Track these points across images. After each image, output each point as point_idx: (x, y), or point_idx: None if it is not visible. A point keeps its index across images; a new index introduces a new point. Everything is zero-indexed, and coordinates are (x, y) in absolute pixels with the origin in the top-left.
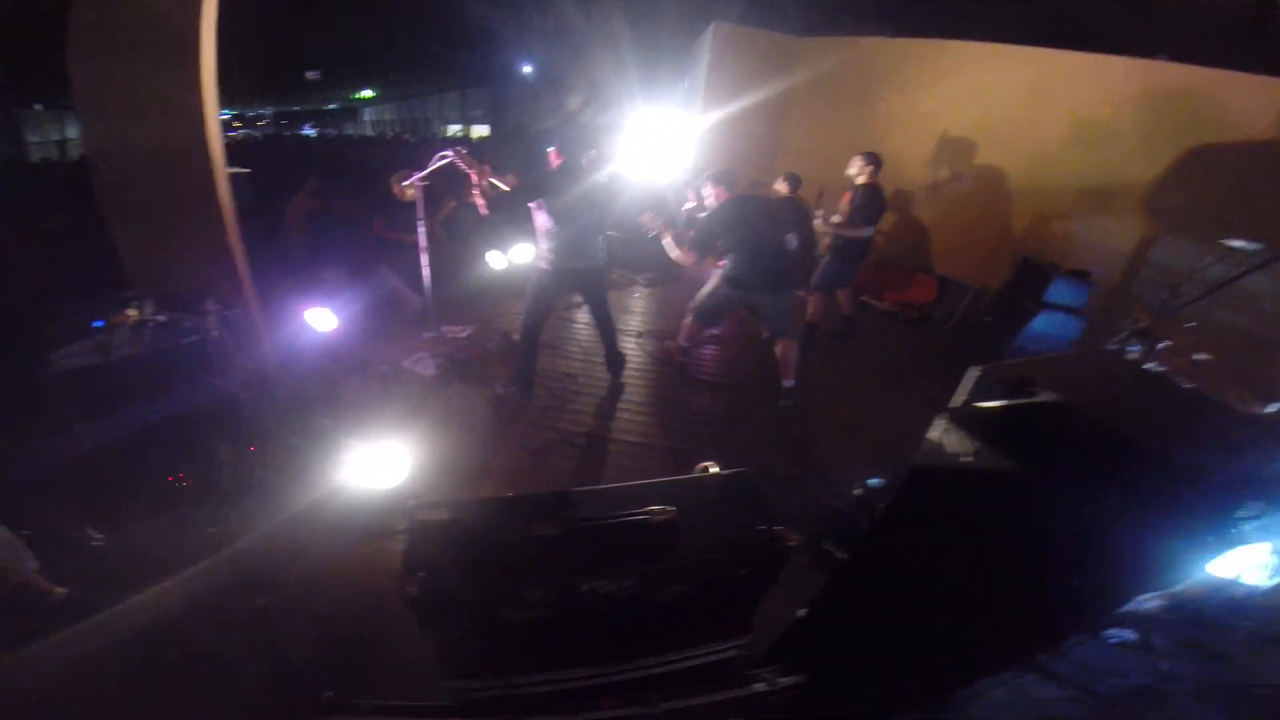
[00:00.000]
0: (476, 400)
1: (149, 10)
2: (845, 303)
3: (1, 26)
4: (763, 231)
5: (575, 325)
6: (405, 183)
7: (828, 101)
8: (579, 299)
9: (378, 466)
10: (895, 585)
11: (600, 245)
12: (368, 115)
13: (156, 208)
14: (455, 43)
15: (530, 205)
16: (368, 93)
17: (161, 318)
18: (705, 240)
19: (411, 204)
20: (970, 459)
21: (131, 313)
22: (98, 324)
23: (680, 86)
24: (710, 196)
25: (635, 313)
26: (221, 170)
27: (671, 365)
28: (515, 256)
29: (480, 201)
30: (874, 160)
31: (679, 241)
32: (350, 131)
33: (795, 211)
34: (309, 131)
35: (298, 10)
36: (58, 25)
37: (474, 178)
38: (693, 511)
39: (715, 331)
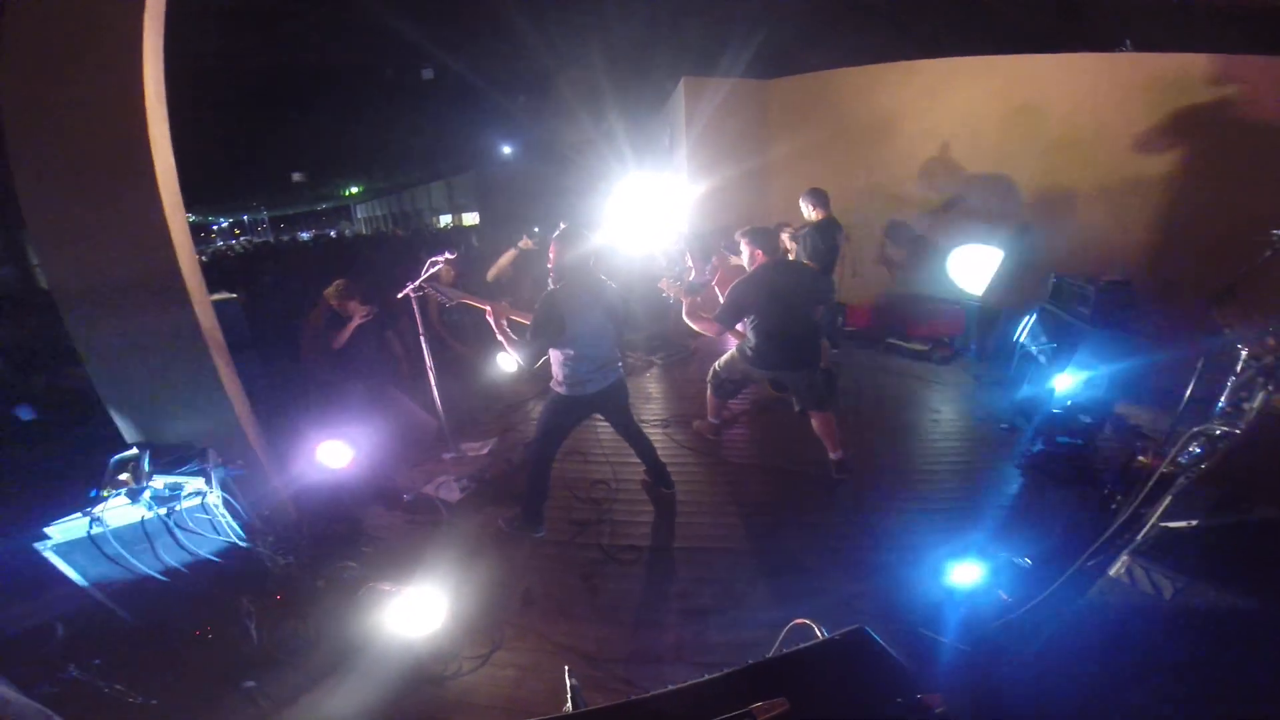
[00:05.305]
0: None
1: (89, 110)
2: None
3: None
4: (795, 304)
5: (599, 425)
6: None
7: (809, 139)
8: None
9: (413, 612)
10: None
11: (618, 355)
12: (360, 212)
13: (136, 350)
14: (437, 130)
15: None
16: (354, 189)
17: (157, 483)
18: (736, 311)
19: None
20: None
21: (126, 477)
22: (94, 493)
23: (661, 148)
24: (746, 259)
25: (656, 398)
26: (202, 299)
27: (707, 446)
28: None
29: (506, 342)
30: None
31: (698, 311)
32: (346, 231)
33: (820, 279)
34: (305, 236)
35: (279, 110)
36: None
37: (489, 316)
38: (806, 697)
39: (745, 406)
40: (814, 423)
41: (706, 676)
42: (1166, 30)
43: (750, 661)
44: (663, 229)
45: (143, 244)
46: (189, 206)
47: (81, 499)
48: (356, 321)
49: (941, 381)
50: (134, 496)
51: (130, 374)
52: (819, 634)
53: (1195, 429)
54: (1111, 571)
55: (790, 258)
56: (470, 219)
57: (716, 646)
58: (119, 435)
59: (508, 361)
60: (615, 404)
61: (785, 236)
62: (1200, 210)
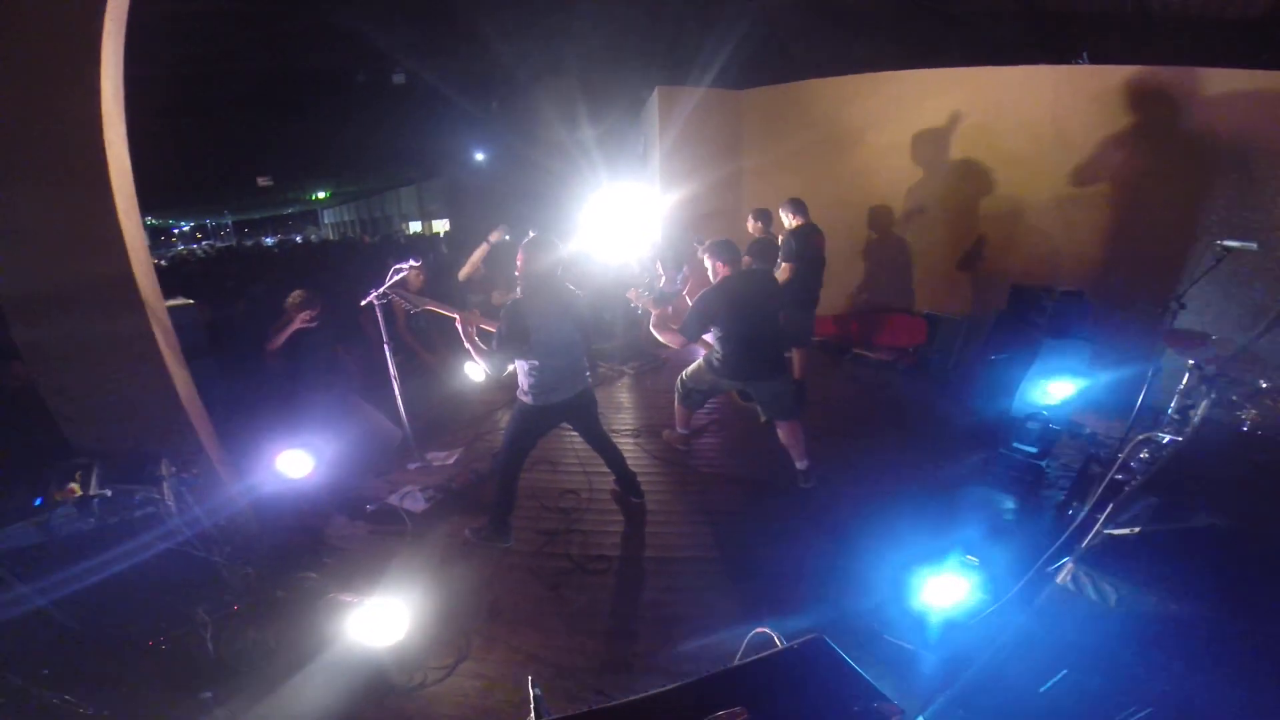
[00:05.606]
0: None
1: (41, 109)
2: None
3: None
4: (762, 314)
5: (568, 435)
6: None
7: (781, 149)
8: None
9: (376, 623)
10: None
11: (586, 364)
12: (328, 218)
13: (86, 356)
14: (409, 135)
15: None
16: (322, 194)
17: (107, 491)
18: (701, 322)
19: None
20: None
21: (74, 486)
22: (37, 502)
23: (636, 157)
24: (710, 272)
25: (627, 408)
26: (156, 305)
27: (676, 456)
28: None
29: (474, 350)
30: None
31: (665, 322)
32: (313, 236)
33: (780, 287)
34: (269, 241)
35: (246, 113)
36: None
37: (458, 324)
38: (765, 706)
39: (714, 416)
40: (780, 432)
41: (667, 687)
42: (1159, 39)
43: (710, 671)
44: (636, 237)
45: (94, 247)
46: (149, 209)
47: (26, 507)
48: (294, 326)
49: (905, 390)
50: (82, 505)
51: (80, 379)
52: (778, 643)
53: (1142, 436)
54: (1058, 580)
55: (760, 241)
56: (440, 226)
57: (687, 655)
58: (70, 441)
59: (475, 370)
60: (583, 413)
61: (751, 222)
62: (1151, 221)
